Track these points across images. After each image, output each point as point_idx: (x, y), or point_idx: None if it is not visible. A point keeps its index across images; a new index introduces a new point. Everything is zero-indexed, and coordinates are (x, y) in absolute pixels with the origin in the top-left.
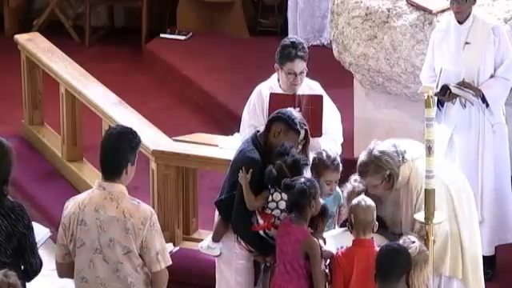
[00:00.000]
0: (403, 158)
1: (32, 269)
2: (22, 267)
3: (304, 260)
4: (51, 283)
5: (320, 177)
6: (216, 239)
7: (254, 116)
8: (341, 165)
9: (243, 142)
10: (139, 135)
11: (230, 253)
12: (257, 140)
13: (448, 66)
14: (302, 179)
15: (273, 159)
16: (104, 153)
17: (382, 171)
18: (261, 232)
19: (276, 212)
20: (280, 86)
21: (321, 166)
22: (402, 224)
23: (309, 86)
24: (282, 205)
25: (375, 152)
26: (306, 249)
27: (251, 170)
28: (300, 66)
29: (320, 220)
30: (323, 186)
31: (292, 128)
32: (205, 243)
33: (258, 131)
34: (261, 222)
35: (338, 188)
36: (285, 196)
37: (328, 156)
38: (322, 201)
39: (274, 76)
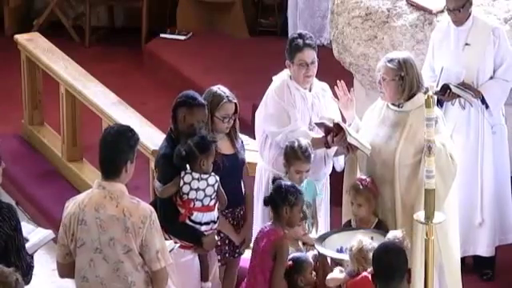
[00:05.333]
0: (423, 85)
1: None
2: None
3: (272, 262)
4: (52, 282)
5: (290, 166)
6: None
7: (285, 119)
8: (312, 155)
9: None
10: (137, 133)
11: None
12: (170, 136)
13: (448, 66)
14: (290, 183)
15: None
16: (103, 152)
17: (400, 71)
18: (187, 222)
19: (192, 194)
20: (289, 84)
21: (292, 155)
22: (399, 144)
23: (321, 87)
24: (195, 184)
25: (409, 55)
26: (275, 249)
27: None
28: (310, 54)
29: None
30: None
31: (193, 104)
32: None
33: (171, 128)
34: (182, 211)
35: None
36: (196, 175)
37: (300, 146)
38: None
39: (281, 76)
